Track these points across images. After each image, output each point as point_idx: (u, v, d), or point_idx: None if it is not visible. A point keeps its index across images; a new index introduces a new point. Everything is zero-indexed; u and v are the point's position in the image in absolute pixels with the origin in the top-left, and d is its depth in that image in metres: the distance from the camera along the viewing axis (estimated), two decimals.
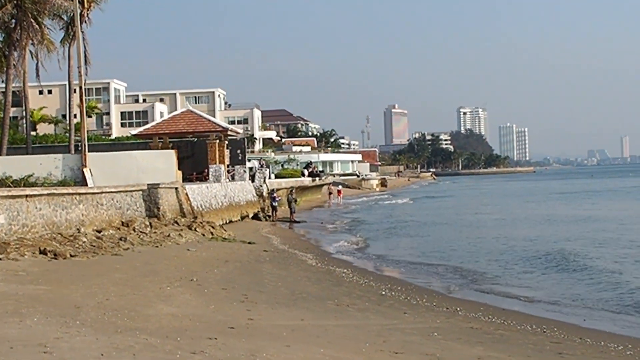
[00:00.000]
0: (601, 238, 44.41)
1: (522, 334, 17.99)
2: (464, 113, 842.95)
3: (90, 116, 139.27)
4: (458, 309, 21.64)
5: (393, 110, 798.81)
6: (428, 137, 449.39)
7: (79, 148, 48.94)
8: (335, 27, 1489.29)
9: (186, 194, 43.64)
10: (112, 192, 35.94)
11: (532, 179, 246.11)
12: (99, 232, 32.69)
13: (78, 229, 31.43)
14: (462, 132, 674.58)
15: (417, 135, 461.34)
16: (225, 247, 35.01)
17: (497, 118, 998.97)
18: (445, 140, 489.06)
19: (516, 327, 18.92)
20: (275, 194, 62.45)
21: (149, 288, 20.45)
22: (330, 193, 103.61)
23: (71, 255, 25.75)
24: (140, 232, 35.30)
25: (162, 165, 46.58)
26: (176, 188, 42.57)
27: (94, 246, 29.28)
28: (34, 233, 27.65)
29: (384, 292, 24.28)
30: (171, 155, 48.38)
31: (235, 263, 29.11)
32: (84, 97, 46.76)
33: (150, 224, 37.08)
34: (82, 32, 50.03)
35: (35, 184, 41.67)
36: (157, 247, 32.15)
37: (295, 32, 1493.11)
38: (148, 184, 39.61)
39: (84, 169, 45.65)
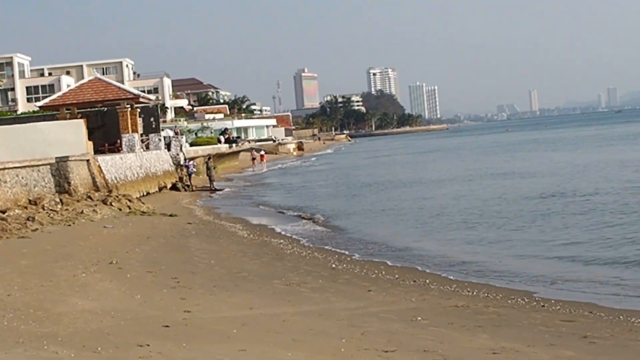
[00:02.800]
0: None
1: (521, 311, 15.01)
2: (374, 74, 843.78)
3: None
4: (426, 281, 18.70)
5: (303, 74, 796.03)
6: (340, 100, 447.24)
7: None
8: None
9: (99, 166, 40.26)
10: (16, 167, 32.54)
11: (446, 136, 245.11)
12: (3, 212, 29.29)
13: None
14: (373, 93, 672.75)
15: (328, 98, 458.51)
16: (145, 222, 31.84)
17: (407, 78, 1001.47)
18: (357, 101, 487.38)
19: (507, 302, 16.00)
20: (190, 162, 59.47)
21: (61, 276, 17.32)
22: (253, 158, 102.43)
23: None
24: (51, 210, 31.96)
25: (71, 136, 42.89)
26: (87, 160, 39.14)
27: None
28: None
29: (334, 265, 21.31)
30: (80, 125, 44.67)
31: (158, 239, 25.97)
32: None
33: (61, 200, 33.76)
34: None
35: None
36: (69, 225, 28.95)
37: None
38: (56, 157, 36.14)
39: None
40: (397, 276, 19.37)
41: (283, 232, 30.66)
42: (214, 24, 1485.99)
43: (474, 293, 17.02)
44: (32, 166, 34.03)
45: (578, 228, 27.92)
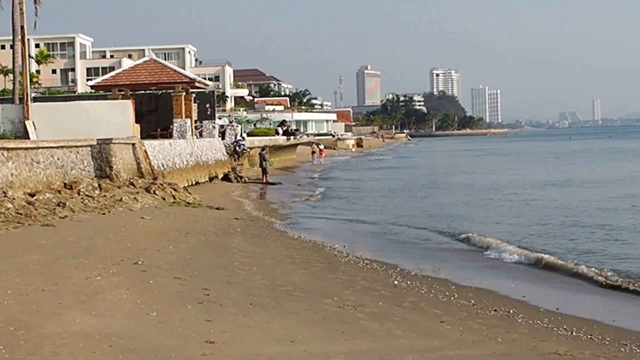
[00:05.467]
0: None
1: None
2: (437, 75, 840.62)
3: (54, 71, 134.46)
4: (510, 310, 15.37)
5: (365, 71, 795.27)
6: (401, 98, 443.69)
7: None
8: None
9: (145, 151, 37.58)
10: (51, 147, 29.68)
11: (511, 141, 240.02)
12: (32, 195, 26.55)
13: (4, 192, 25.26)
14: (435, 93, 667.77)
15: (390, 96, 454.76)
16: (188, 214, 28.96)
17: (470, 80, 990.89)
18: (419, 101, 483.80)
19: (620, 351, 12.56)
20: (242, 140, 57.01)
21: (72, 278, 14.44)
22: (313, 152, 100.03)
23: None
24: (86, 195, 29.20)
25: (117, 118, 40.38)
26: (133, 144, 36.49)
27: (20, 214, 23.21)
28: None
29: (396, 282, 18.11)
30: (127, 106, 42.12)
31: (198, 236, 23.01)
32: (25, 38, 40.29)
33: (99, 185, 31.01)
34: None
35: None
36: (103, 214, 26.13)
37: None
38: (98, 139, 33.44)
39: (26, 122, 39.40)
40: (472, 302, 16.06)
41: (338, 235, 27.66)
42: (279, 17, 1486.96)
43: (574, 333, 13.67)
44: (70, 147, 31.28)
45: None
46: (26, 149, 27.81)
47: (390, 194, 49.04)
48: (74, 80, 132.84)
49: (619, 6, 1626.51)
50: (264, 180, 53.00)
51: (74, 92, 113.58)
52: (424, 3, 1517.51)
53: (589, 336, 13.45)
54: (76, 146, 32.00)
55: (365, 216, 35.46)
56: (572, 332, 13.67)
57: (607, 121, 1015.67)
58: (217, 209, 32.42)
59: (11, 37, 45.59)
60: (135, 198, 30.72)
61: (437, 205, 40.22)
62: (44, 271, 14.94)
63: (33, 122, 39.70)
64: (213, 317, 12.15)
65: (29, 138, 38.12)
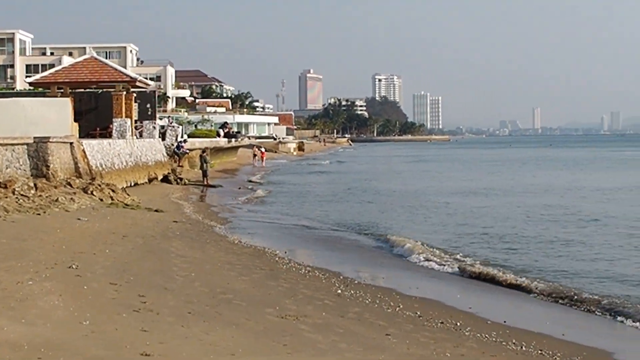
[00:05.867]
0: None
1: None
2: (379, 80, 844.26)
3: None
4: (457, 323, 14.81)
5: (308, 75, 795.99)
6: (343, 103, 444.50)
7: None
8: None
9: (83, 150, 36.79)
10: None
11: (452, 147, 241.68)
12: None
13: None
14: (377, 98, 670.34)
15: (332, 101, 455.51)
16: (126, 216, 28.28)
17: (412, 86, 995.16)
18: (361, 106, 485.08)
19: None
20: (183, 142, 56.52)
21: (1, 282, 13.79)
22: (254, 155, 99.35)
23: None
24: (21, 195, 28.41)
25: (55, 116, 39.35)
26: (71, 143, 35.69)
27: None
28: None
29: (340, 290, 17.62)
30: (66, 104, 41.16)
31: (136, 239, 22.37)
32: None
33: (35, 185, 30.15)
34: None
35: None
36: (39, 214, 25.36)
37: None
38: (35, 137, 32.63)
39: None
40: (418, 312, 15.60)
41: (278, 240, 27.17)
42: (222, 18, 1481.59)
43: (523, 347, 13.22)
44: (5, 144, 30.56)
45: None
46: None
47: (332, 198, 48.64)
48: (12, 77, 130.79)
49: (559, 19, 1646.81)
50: (205, 183, 52.24)
51: (13, 89, 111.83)
52: (367, 7, 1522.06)
53: (540, 351, 13.06)
54: (11, 144, 31.22)
55: (306, 221, 35.03)
56: (522, 347, 13.27)
57: (546, 130, 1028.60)
58: (156, 211, 31.78)
59: None
60: (72, 199, 29.96)
61: (379, 212, 39.95)
62: None
63: None
64: (149, 326, 11.59)
65: None
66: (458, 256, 24.61)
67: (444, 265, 23.15)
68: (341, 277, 19.60)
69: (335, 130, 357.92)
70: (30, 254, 17.40)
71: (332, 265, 21.76)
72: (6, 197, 27.23)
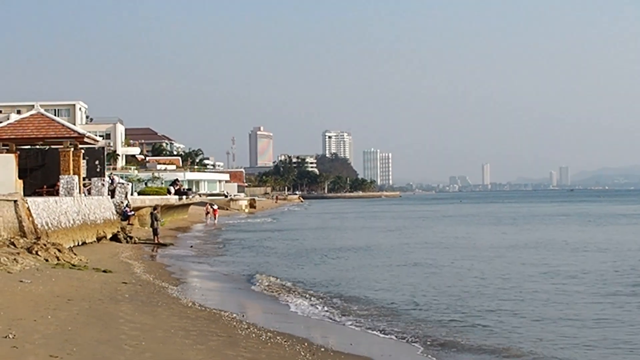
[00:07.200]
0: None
1: None
2: (329, 137, 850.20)
3: None
4: None
5: (258, 132, 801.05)
6: (294, 160, 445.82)
7: None
8: (199, 46, 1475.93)
9: (28, 208, 35.21)
10: None
11: (404, 203, 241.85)
12: None
13: None
14: (328, 155, 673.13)
15: (282, 158, 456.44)
16: (72, 278, 26.66)
17: (362, 143, 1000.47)
18: (311, 163, 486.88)
19: None
20: (127, 207, 55.09)
21: None
22: (207, 213, 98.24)
23: None
24: None
25: None
26: (15, 201, 34.14)
27: None
28: None
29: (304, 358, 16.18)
30: (10, 160, 39.79)
31: (81, 303, 20.77)
32: None
33: None
34: None
35: None
36: None
37: (158, 50, 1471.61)
38: None
39: None
40: None
41: (235, 301, 25.70)
42: (172, 76, 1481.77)
43: None
44: None
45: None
46: None
47: (289, 256, 47.19)
48: None
49: (508, 72, 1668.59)
50: (155, 241, 50.56)
51: None
52: (316, 65, 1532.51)
53: None
54: None
55: (262, 279, 33.53)
56: None
57: (496, 185, 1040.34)
58: (104, 271, 30.19)
59: None
60: (15, 259, 28.35)
61: (339, 269, 38.65)
62: None
63: None
64: None
65: None
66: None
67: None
68: (306, 344, 18.10)
69: (286, 187, 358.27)
70: None
71: (295, 330, 20.32)
72: None
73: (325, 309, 25.28)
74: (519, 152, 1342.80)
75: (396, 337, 20.49)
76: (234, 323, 20.41)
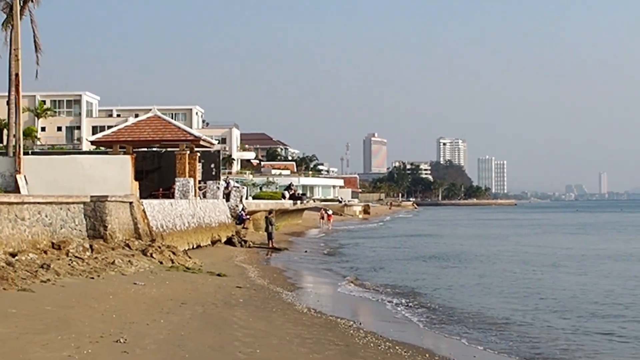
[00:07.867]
0: None
1: None
2: (444, 144, 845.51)
3: (59, 129, 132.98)
4: None
5: (372, 138, 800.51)
6: (408, 167, 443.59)
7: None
8: (316, 53, 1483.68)
9: (143, 210, 34.89)
10: (39, 203, 26.93)
11: (522, 212, 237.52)
12: (13, 255, 23.79)
13: None
14: (442, 162, 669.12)
15: (396, 164, 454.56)
16: (186, 281, 26.14)
17: (477, 150, 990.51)
18: (425, 170, 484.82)
19: None
20: (242, 211, 54.66)
21: None
22: (322, 218, 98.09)
23: None
24: (75, 257, 26.41)
25: (114, 174, 37.77)
26: (130, 202, 33.78)
27: None
28: None
29: None
30: (126, 162, 39.53)
31: (195, 307, 20.14)
32: (20, 87, 37.81)
33: (91, 246, 28.19)
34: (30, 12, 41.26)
35: None
36: (92, 278, 23.37)
37: (274, 57, 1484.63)
38: (92, 196, 30.68)
39: (17, 175, 36.75)
40: None
41: (350, 307, 24.79)
42: (288, 83, 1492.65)
43: None
44: (60, 203, 28.53)
45: None
46: (9, 203, 25.06)
47: (408, 262, 46.05)
48: (79, 139, 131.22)
49: (628, 84, 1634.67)
50: (270, 246, 50.11)
51: (79, 150, 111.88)
52: (432, 74, 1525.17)
53: None
54: (67, 202, 29.26)
55: (379, 285, 32.53)
56: None
57: (613, 194, 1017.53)
58: (219, 275, 29.67)
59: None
60: (129, 261, 28.02)
61: (457, 281, 37.28)
62: (2, 350, 12.17)
63: (25, 176, 37.09)
64: None
65: (19, 192, 35.52)
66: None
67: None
68: (427, 355, 17.07)
69: (400, 194, 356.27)
70: (74, 325, 15.31)
71: (413, 339, 19.30)
72: (58, 259, 25.28)
73: (442, 320, 24.14)
74: (636, 161, 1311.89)
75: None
76: (351, 331, 19.46)
